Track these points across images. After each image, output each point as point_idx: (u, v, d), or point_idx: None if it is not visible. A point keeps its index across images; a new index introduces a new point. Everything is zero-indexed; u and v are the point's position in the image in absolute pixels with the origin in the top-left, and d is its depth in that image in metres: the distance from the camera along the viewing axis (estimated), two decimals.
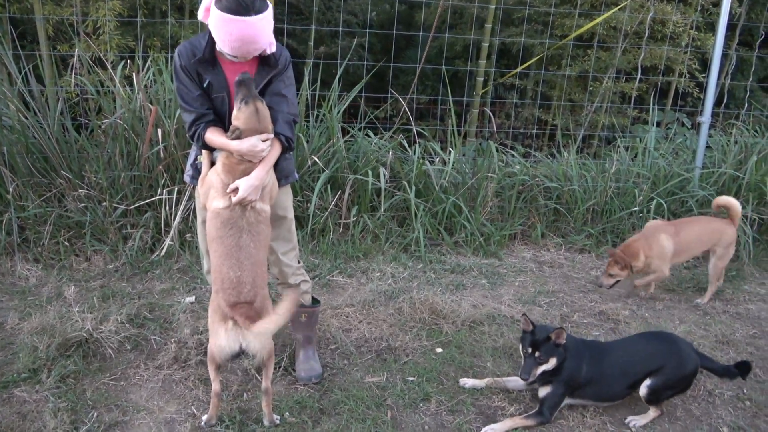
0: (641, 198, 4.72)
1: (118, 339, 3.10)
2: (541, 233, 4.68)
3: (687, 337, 3.46)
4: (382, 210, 4.32)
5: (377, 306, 3.60)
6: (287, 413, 2.66)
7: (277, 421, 2.60)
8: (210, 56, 2.45)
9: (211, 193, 2.54)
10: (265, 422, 2.57)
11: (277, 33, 5.50)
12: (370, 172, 4.29)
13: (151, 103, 4.10)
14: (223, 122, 2.56)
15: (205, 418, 2.58)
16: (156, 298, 3.58)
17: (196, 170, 2.72)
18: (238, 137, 2.42)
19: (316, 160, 4.23)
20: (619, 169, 4.87)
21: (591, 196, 4.76)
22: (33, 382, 2.78)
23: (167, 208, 3.98)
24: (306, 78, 4.56)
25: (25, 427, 2.51)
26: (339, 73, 4.55)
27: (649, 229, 3.91)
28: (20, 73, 4.20)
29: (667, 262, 3.85)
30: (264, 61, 2.52)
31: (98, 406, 2.67)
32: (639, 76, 6.03)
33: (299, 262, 2.93)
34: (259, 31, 2.32)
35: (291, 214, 2.84)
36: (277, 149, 2.55)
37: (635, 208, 4.70)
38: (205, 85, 2.49)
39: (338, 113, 4.48)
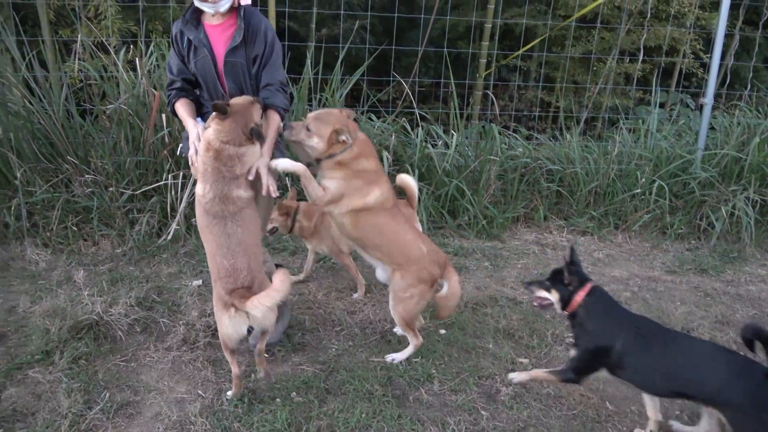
0: (643, 180, 4.74)
1: (128, 321, 3.17)
2: (543, 216, 4.72)
3: (687, 317, 3.51)
4: None
5: (381, 288, 3.65)
6: (294, 393, 2.73)
7: (272, 378, 2.76)
8: (191, 17, 2.71)
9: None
10: (261, 374, 2.71)
11: (279, 16, 5.49)
12: None
13: (154, 88, 4.12)
14: (206, 78, 2.73)
15: (230, 394, 2.69)
16: (163, 281, 3.64)
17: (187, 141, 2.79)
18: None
19: None
20: (621, 151, 4.88)
21: (593, 179, 4.78)
22: (46, 364, 2.85)
23: (173, 192, 4.02)
24: (308, 61, 4.56)
25: (39, 407, 2.59)
26: (341, 56, 4.56)
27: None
28: (24, 58, 4.21)
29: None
30: (247, 28, 2.67)
31: (110, 387, 2.74)
32: (642, 57, 6.00)
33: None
34: None
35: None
36: (275, 121, 2.70)
37: (637, 190, 4.72)
38: (185, 44, 2.70)
39: (341, 97, 4.49)
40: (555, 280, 2.53)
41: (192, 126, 2.69)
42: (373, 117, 4.78)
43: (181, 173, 4.05)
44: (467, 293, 3.61)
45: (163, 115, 4.03)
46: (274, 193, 2.61)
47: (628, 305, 3.65)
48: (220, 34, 2.71)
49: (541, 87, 7.08)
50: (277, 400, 2.68)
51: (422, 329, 3.26)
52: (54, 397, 2.64)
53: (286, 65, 4.56)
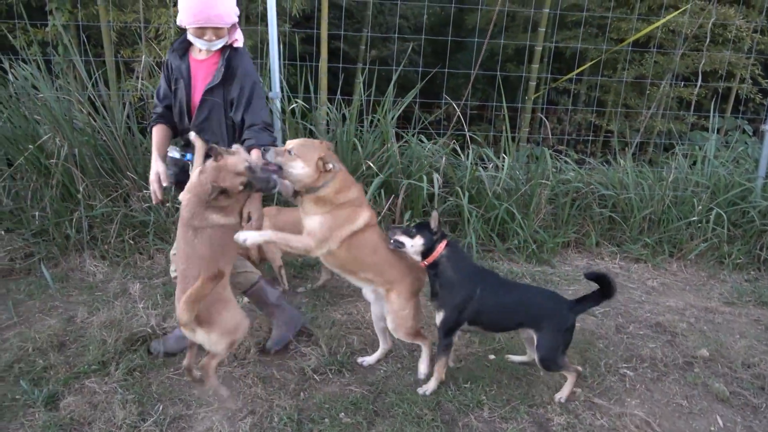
0: (700, 207, 4.60)
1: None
2: (595, 241, 4.62)
3: (747, 352, 3.37)
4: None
5: (430, 311, 3.62)
6: (342, 413, 2.72)
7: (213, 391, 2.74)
8: (179, 46, 2.83)
9: None
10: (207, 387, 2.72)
11: (331, 38, 5.59)
12: (424, 177, 4.32)
13: None
14: (181, 109, 2.84)
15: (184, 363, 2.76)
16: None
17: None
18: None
19: (371, 164, 4.28)
20: (677, 177, 4.75)
21: (647, 205, 4.66)
22: (102, 374, 2.92)
23: None
24: (358, 82, 4.62)
25: (96, 417, 2.65)
26: (394, 78, 4.60)
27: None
28: (90, 77, 4.40)
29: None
30: (227, 70, 2.73)
31: (163, 399, 2.78)
32: (699, 82, 5.85)
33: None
34: None
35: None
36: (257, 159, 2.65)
37: (694, 218, 4.58)
38: (170, 70, 2.83)
39: (393, 119, 4.53)
40: (420, 227, 2.79)
41: (153, 161, 2.84)
42: (424, 138, 4.79)
43: None
44: None
45: None
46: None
47: (685, 336, 3.52)
48: (202, 70, 2.79)
49: (592, 110, 6.98)
50: (326, 420, 2.68)
51: (472, 354, 3.22)
52: (109, 408, 2.70)
53: (339, 86, 4.66)
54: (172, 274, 3.11)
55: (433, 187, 4.34)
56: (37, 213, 4.04)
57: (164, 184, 2.82)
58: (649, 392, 3.01)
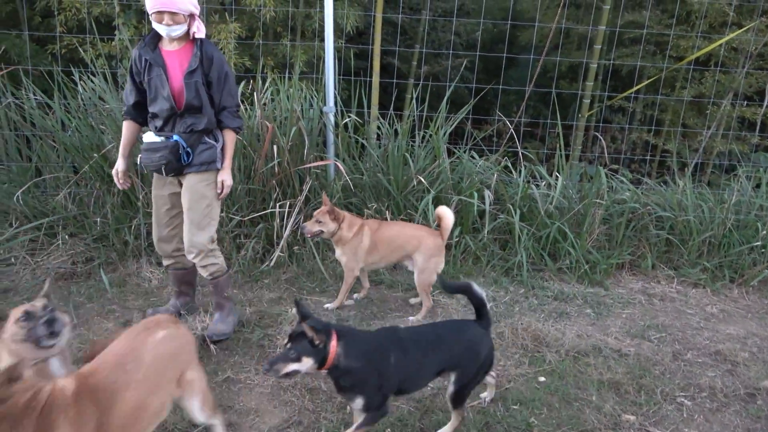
0: (765, 232, 4.40)
1: (229, 343, 3.28)
2: (651, 264, 4.47)
3: None
4: (485, 232, 4.29)
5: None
6: (389, 429, 2.70)
7: None
8: (150, 41, 3.09)
9: None
10: None
11: (384, 54, 5.64)
12: (475, 194, 4.29)
13: (267, 120, 4.33)
14: (160, 95, 3.07)
15: None
16: (264, 306, 3.76)
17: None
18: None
19: (422, 179, 4.28)
20: (739, 200, 4.56)
21: (707, 228, 4.49)
22: None
23: (278, 221, 4.17)
24: (409, 98, 4.64)
25: None
26: (447, 93, 4.60)
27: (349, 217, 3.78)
28: None
29: (358, 255, 3.68)
30: (203, 54, 3.05)
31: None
32: (766, 102, 5.63)
33: (213, 242, 3.31)
34: None
35: (209, 199, 3.22)
36: (231, 138, 3.22)
37: (757, 243, 4.38)
38: (142, 64, 3.07)
39: (445, 134, 4.52)
40: (300, 345, 2.24)
41: (120, 156, 3.32)
42: (475, 155, 4.77)
43: (288, 202, 4.21)
44: (568, 340, 3.46)
45: (275, 147, 4.22)
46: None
47: (746, 366, 3.35)
48: (175, 59, 3.08)
49: (648, 129, 6.81)
50: None
51: (521, 375, 3.15)
52: None
53: (392, 101, 4.70)
54: (164, 262, 3.52)
55: (483, 203, 4.30)
56: (98, 219, 4.20)
57: (119, 186, 3.36)
58: (708, 423, 2.88)
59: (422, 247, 3.63)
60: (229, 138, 3.22)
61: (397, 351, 2.40)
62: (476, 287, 2.59)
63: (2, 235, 4.14)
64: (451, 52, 5.53)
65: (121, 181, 3.34)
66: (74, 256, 4.12)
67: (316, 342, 2.23)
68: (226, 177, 3.21)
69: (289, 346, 2.26)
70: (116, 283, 3.94)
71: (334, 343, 2.28)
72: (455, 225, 4.33)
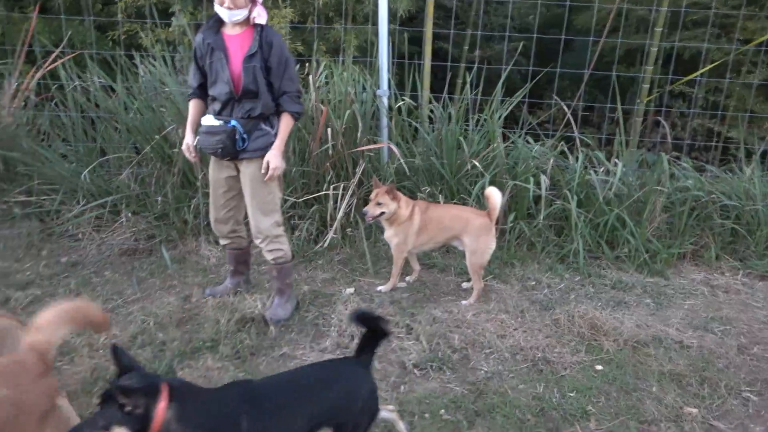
0: None
1: (286, 321, 3.34)
2: (715, 255, 4.30)
3: None
4: (541, 218, 4.22)
5: (532, 315, 3.53)
6: (443, 410, 2.70)
7: None
8: (213, 25, 3.15)
9: None
10: None
11: (436, 38, 5.58)
12: (531, 179, 4.21)
13: (322, 103, 4.35)
14: (221, 78, 3.11)
15: None
16: (318, 286, 3.80)
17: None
18: None
19: (476, 163, 4.24)
20: None
21: None
22: (215, 351, 3.07)
23: (332, 203, 4.20)
24: (464, 83, 4.58)
25: None
26: (503, 77, 4.52)
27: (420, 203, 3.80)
28: None
29: (408, 236, 3.68)
30: (263, 40, 3.07)
31: None
32: None
33: (279, 226, 3.36)
34: None
35: (269, 186, 3.26)
36: (288, 122, 3.20)
37: None
38: (205, 47, 3.14)
39: (500, 118, 4.45)
40: (110, 410, 1.71)
41: (186, 133, 3.35)
42: (530, 140, 4.67)
43: (341, 185, 4.23)
44: (626, 330, 3.38)
45: (329, 130, 4.24)
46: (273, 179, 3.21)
47: None
48: (236, 43, 3.11)
49: (711, 116, 6.52)
50: (426, 415, 2.67)
51: (577, 363, 3.10)
52: (221, 383, 2.83)
53: (446, 84, 4.65)
54: (221, 241, 3.58)
55: (539, 188, 4.22)
56: (159, 198, 4.33)
57: (190, 159, 3.40)
58: None
59: (469, 226, 3.62)
60: (285, 121, 3.21)
61: (251, 412, 1.87)
62: (384, 323, 2.16)
63: (70, 211, 4.32)
64: (507, 34, 5.39)
65: (193, 155, 3.37)
66: (137, 233, 4.26)
67: (130, 408, 1.70)
68: (272, 158, 3.16)
69: (98, 410, 1.73)
70: (176, 259, 4.06)
71: (163, 405, 1.74)
72: (510, 210, 4.28)
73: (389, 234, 3.74)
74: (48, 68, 4.77)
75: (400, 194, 3.68)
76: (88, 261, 4.02)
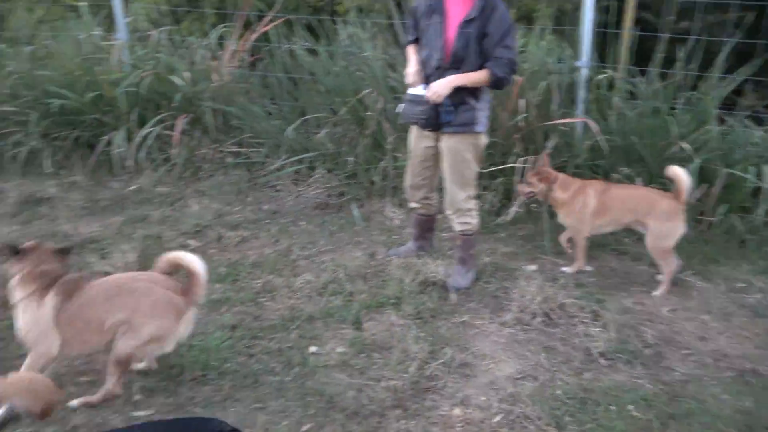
0: None
1: (466, 289, 3.36)
2: None
3: None
4: (760, 213, 3.73)
5: (741, 320, 3.17)
6: (631, 406, 2.55)
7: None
8: None
9: None
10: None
11: (641, 7, 5.09)
12: (750, 169, 3.73)
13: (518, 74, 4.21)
14: (432, 45, 3.09)
15: None
16: (499, 259, 3.76)
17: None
18: None
19: (685, 146, 3.84)
20: None
21: None
22: (398, 309, 3.20)
23: (518, 176, 4.09)
24: (676, 58, 4.15)
25: (393, 345, 2.92)
26: (725, 51, 4.02)
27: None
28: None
29: (584, 217, 3.47)
30: (485, 4, 2.97)
31: (451, 344, 2.93)
32: None
33: (471, 200, 3.35)
34: None
35: (468, 161, 3.24)
36: (480, 75, 3.04)
37: None
38: (424, 7, 3.13)
39: (718, 98, 3.98)
40: None
41: (412, 63, 3.22)
42: (751, 124, 4.11)
43: (528, 158, 4.10)
44: None
45: (521, 101, 4.12)
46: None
47: None
48: (457, 6, 3.03)
49: None
50: (613, 408, 2.54)
51: None
52: (404, 340, 2.94)
53: (657, 57, 4.25)
54: (411, 205, 3.63)
55: (761, 180, 3.72)
56: (351, 158, 4.55)
57: (410, 80, 3.22)
58: None
59: (655, 209, 3.34)
60: (480, 72, 3.03)
61: None
62: None
63: (273, 164, 4.72)
64: (731, 1, 4.73)
65: (414, 79, 3.22)
66: (329, 190, 4.53)
67: None
68: (437, 85, 3.03)
69: None
70: (363, 218, 4.26)
71: None
72: (721, 202, 3.84)
73: (561, 217, 3.62)
74: (262, 32, 5.18)
75: (556, 174, 3.54)
76: (285, 210, 4.38)
